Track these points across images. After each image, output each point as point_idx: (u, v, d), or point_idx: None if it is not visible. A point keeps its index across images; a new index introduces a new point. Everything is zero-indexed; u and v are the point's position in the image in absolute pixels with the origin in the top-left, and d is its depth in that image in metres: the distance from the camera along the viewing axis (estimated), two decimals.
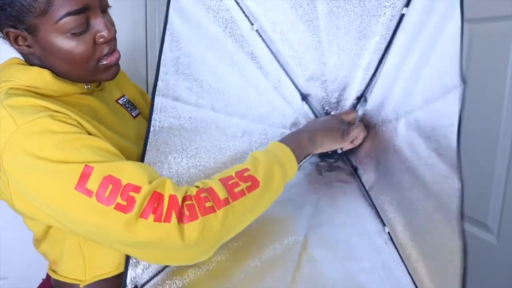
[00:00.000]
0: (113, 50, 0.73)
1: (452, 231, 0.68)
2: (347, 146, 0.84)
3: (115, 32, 0.72)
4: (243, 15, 0.79)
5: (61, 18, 0.65)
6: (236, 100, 0.81)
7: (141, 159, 0.70)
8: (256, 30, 0.80)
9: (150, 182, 0.61)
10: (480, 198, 1.18)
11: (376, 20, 0.78)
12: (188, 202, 0.61)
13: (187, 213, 0.60)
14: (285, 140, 0.74)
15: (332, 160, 0.92)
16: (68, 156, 0.61)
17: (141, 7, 1.40)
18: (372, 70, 0.83)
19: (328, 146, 0.80)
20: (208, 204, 0.61)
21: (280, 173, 0.69)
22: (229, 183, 0.64)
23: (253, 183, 0.65)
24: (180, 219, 0.60)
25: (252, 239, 0.76)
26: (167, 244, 0.60)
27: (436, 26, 0.70)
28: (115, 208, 0.59)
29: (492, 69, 1.12)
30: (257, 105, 0.84)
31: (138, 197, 0.59)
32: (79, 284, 0.76)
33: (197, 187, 0.64)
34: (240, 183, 0.64)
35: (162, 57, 0.71)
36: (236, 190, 0.64)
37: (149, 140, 0.70)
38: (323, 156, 0.91)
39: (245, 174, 0.66)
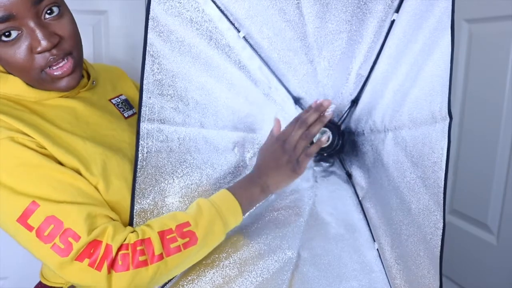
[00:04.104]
0: (61, 60, 0.69)
1: (431, 270, 0.69)
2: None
3: (55, 42, 0.67)
4: (228, 23, 0.77)
5: None
6: (225, 112, 0.80)
7: (132, 185, 0.71)
8: (244, 37, 0.79)
9: (90, 232, 0.63)
10: (480, 198, 1.18)
11: (366, 25, 0.78)
12: (124, 251, 0.63)
13: (120, 262, 0.63)
14: (236, 193, 0.74)
15: (327, 165, 0.92)
16: (19, 186, 0.63)
17: (142, 7, 1.40)
18: (365, 75, 0.82)
19: (282, 187, 0.81)
20: (142, 258, 0.64)
21: (221, 228, 0.71)
22: (167, 237, 0.66)
23: (191, 240, 0.67)
24: (112, 267, 0.63)
25: (247, 253, 0.76)
26: None
27: (426, 42, 0.70)
28: (51, 248, 0.62)
29: (492, 69, 1.12)
30: (248, 115, 0.83)
31: (76, 246, 0.62)
32: (62, 287, 0.78)
33: (137, 234, 0.66)
34: (178, 238, 0.66)
35: (144, 81, 0.70)
36: (172, 246, 0.66)
37: (138, 166, 0.71)
38: (318, 160, 0.91)
39: (184, 229, 0.67)
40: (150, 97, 0.71)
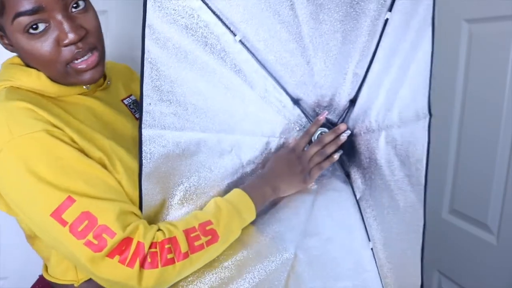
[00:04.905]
0: (87, 53, 0.70)
1: (416, 268, 0.70)
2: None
3: (82, 34, 0.68)
4: (223, 28, 0.77)
5: (14, 18, 0.64)
6: (222, 116, 0.81)
7: (139, 190, 0.71)
8: (240, 41, 0.79)
9: (124, 228, 0.63)
10: (480, 198, 1.18)
11: (359, 25, 0.78)
12: (153, 249, 0.64)
13: (149, 260, 0.64)
14: (249, 191, 0.78)
15: None
16: (56, 179, 0.63)
17: (142, 7, 1.40)
18: (362, 74, 0.83)
19: (289, 192, 0.86)
20: (169, 256, 0.65)
21: (238, 225, 0.74)
22: (191, 235, 0.68)
23: (213, 237, 0.70)
24: (142, 265, 0.63)
25: (246, 255, 0.77)
26: (125, 286, 0.64)
27: (412, 40, 0.70)
28: (84, 243, 0.62)
29: (492, 69, 1.11)
30: (245, 118, 0.83)
31: (110, 242, 0.62)
32: (73, 284, 0.77)
33: (163, 232, 0.67)
34: (201, 236, 0.68)
35: (144, 88, 0.70)
36: (197, 243, 0.68)
37: (143, 172, 0.71)
38: None
39: (207, 228, 0.70)
40: (150, 104, 0.72)
